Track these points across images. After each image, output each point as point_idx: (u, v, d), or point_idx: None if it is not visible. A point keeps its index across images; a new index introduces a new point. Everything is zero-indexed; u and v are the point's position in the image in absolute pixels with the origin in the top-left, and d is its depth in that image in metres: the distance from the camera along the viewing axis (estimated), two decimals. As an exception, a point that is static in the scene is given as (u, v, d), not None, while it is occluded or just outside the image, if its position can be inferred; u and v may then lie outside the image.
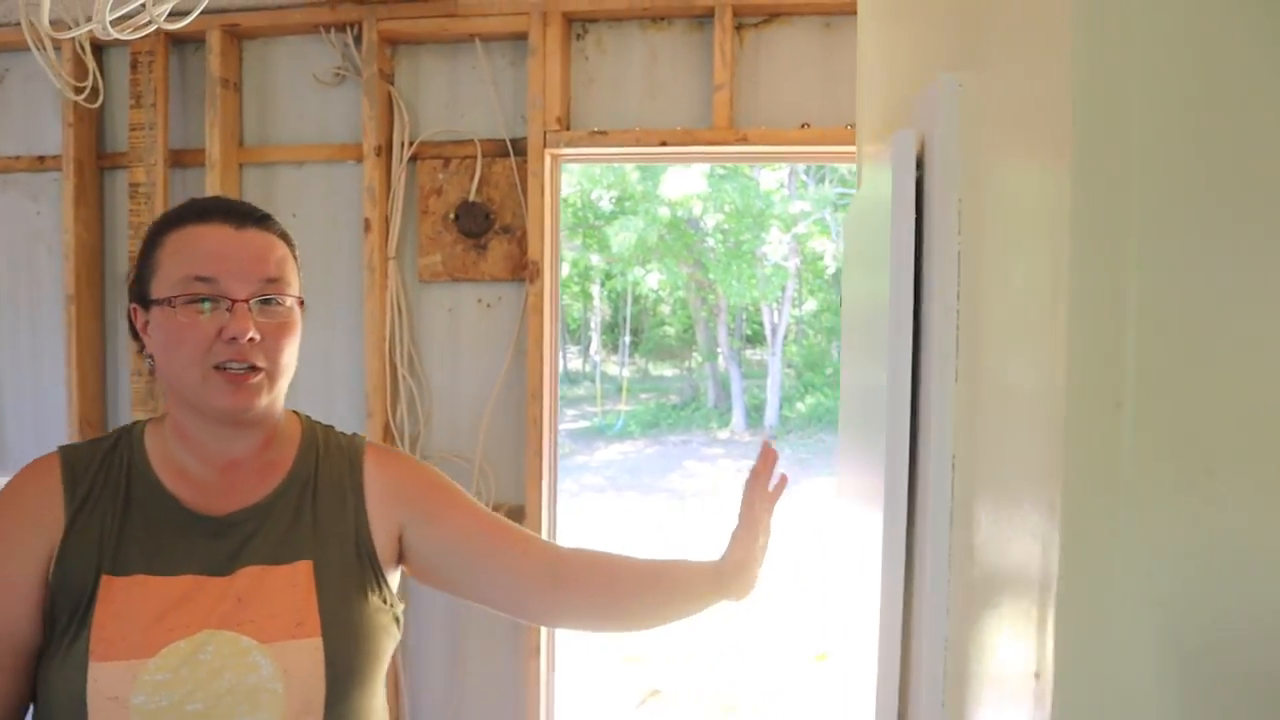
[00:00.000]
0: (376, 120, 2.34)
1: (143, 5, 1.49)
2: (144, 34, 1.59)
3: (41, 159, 2.62)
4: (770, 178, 14.09)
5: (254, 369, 1.01)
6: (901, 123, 0.94)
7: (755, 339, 19.99)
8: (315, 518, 1.07)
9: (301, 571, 1.03)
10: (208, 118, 2.42)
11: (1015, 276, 0.64)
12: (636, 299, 16.87)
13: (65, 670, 0.95)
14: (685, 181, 12.18)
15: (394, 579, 1.14)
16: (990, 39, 0.73)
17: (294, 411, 1.17)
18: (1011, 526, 0.62)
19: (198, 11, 1.73)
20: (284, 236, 1.09)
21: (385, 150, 2.37)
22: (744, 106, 2.33)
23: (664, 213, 12.62)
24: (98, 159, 2.57)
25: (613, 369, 19.41)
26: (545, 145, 2.29)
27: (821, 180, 13.63)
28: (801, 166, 13.83)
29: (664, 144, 2.28)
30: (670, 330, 18.79)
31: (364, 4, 2.33)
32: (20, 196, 2.66)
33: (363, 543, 1.09)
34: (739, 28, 2.31)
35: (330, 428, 1.19)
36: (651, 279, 13.67)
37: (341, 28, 2.40)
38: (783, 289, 14.49)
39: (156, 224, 1.08)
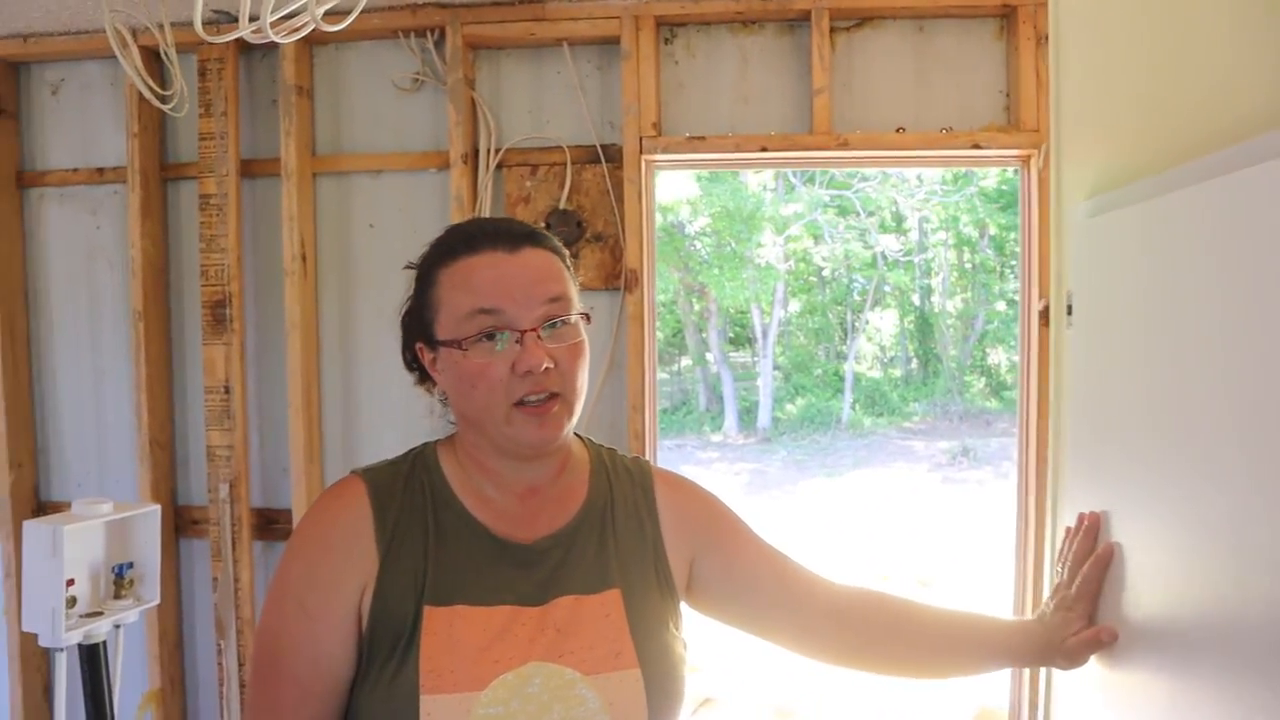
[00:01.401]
0: (463, 127, 2.27)
1: (304, 5, 1.41)
2: (299, 36, 1.51)
3: (101, 171, 2.51)
4: (755, 180, 14.10)
5: (553, 397, 0.98)
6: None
7: (739, 341, 19.99)
8: (617, 544, 1.04)
9: (612, 601, 1.01)
10: (282, 126, 2.33)
11: None
12: (627, 303, 16.73)
13: (393, 702, 0.93)
14: (676, 186, 12.14)
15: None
16: None
17: (576, 434, 1.12)
18: None
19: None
20: (556, 250, 1.05)
21: (471, 158, 2.30)
22: (841, 111, 2.27)
23: (655, 218, 12.56)
24: (161, 170, 2.47)
25: (600, 373, 19.28)
26: (641, 151, 2.23)
27: (811, 181, 13.65)
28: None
29: (764, 149, 2.22)
30: (659, 335, 18.75)
31: (447, 8, 2.25)
32: (79, 210, 2.55)
33: (661, 571, 1.06)
34: (831, 31, 2.26)
35: (613, 450, 1.15)
36: (645, 283, 13.58)
37: (422, 33, 2.32)
38: (773, 291, 14.49)
39: (426, 259, 1.05)
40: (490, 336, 0.97)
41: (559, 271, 1.02)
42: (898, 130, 2.26)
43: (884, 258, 14.57)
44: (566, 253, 1.08)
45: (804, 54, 2.27)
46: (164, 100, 2.02)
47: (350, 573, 0.98)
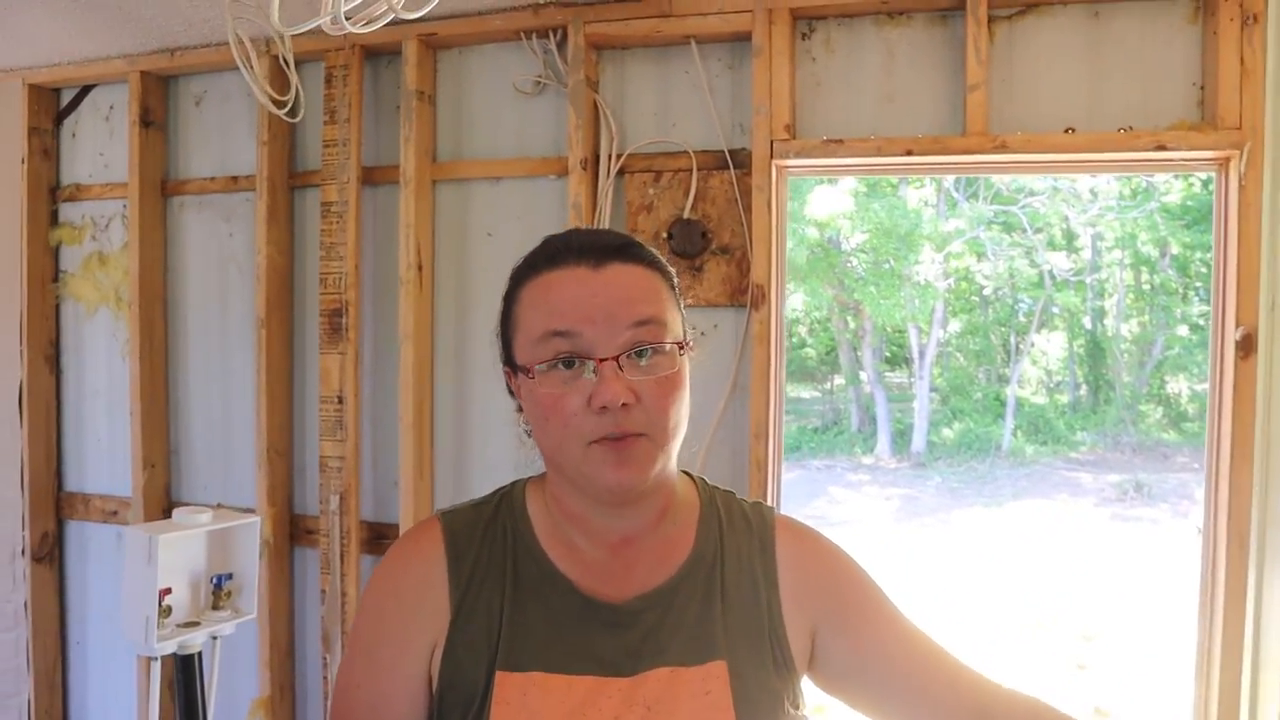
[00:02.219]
0: (583, 131, 2.15)
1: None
2: (379, 26, 1.42)
3: (235, 179, 2.55)
4: (915, 195, 13.55)
5: (637, 436, 0.84)
6: None
7: (895, 361, 19.33)
8: (725, 608, 0.90)
9: (715, 676, 0.86)
10: (402, 132, 2.28)
11: None
12: (777, 320, 16.37)
13: None
14: (832, 200, 11.78)
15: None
16: None
17: (686, 473, 0.98)
18: None
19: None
20: (655, 265, 0.91)
21: (591, 164, 2.18)
22: (999, 110, 2.02)
23: (811, 233, 12.24)
24: (289, 178, 2.48)
25: (748, 390, 19.04)
26: (772, 156, 2.05)
27: (974, 197, 12.99)
28: (951, 181, 13.24)
29: (909, 153, 2.00)
30: (811, 352, 18.30)
31: (569, 7, 2.15)
32: (214, 218, 2.59)
33: (778, 644, 0.91)
34: (990, 20, 2.01)
35: (730, 494, 1.00)
36: (796, 300, 13.28)
37: (544, 33, 2.22)
38: (932, 310, 13.86)
39: (514, 272, 0.93)
40: (566, 364, 0.84)
41: (653, 291, 0.88)
42: (1066, 131, 1.99)
43: (1052, 277, 13.70)
44: (670, 270, 0.93)
45: (958, 47, 2.03)
46: (280, 106, 1.99)
47: (420, 628, 0.90)
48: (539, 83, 2.27)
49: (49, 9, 2.25)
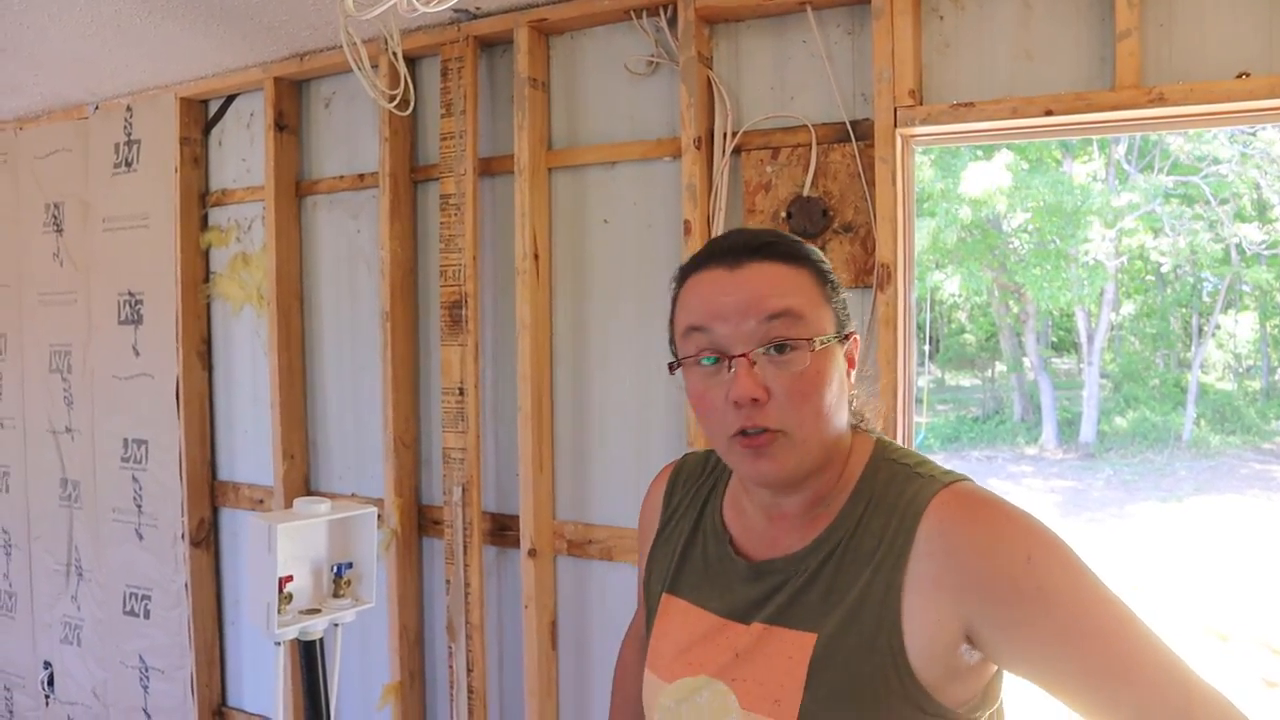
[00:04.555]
0: (696, 109, 2.07)
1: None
2: (443, 6, 1.39)
3: (361, 176, 2.60)
4: (1082, 170, 12.69)
5: (775, 432, 0.88)
6: None
7: (1062, 346, 18.27)
8: (832, 586, 0.90)
9: (802, 646, 0.89)
10: (516, 120, 2.26)
11: None
12: (933, 305, 15.83)
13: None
14: (989, 176, 11.18)
15: (983, 682, 0.89)
16: None
17: (880, 441, 0.97)
18: None
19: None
20: (796, 258, 0.93)
21: (705, 143, 2.09)
22: (1155, 58, 1.80)
23: (964, 213, 11.65)
24: (411, 172, 2.51)
25: (904, 379, 18.43)
26: (896, 125, 1.91)
27: (1148, 168, 12.05)
28: (1122, 152, 12.34)
29: (1049, 113, 1.81)
30: (970, 338, 17.53)
31: (680, -20, 2.07)
32: (343, 215, 2.67)
33: (887, 636, 0.85)
34: (1145, -40, 1.80)
35: (906, 467, 0.93)
36: (952, 284, 12.69)
37: (654, 11, 2.15)
38: (1101, 291, 12.96)
39: (677, 271, 1.01)
40: (711, 360, 0.90)
41: (791, 285, 0.90)
42: (1239, 76, 1.75)
43: (1241, 252, 12.56)
44: (821, 264, 0.95)
45: (1105, -8, 1.83)
46: (390, 99, 2.01)
47: (644, 539, 1.14)
48: (651, 62, 2.20)
49: (193, 25, 2.36)
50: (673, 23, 2.13)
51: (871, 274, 1.96)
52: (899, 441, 1.88)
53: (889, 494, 0.91)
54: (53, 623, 3.31)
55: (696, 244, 2.07)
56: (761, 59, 2.12)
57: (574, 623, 2.35)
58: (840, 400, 0.92)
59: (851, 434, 0.97)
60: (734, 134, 2.10)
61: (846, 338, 0.94)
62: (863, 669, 0.85)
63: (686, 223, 2.08)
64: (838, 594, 0.88)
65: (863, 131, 2.00)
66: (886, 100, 1.91)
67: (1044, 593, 0.81)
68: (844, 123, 2.01)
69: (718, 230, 2.09)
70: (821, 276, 0.93)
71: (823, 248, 2.02)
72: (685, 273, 0.97)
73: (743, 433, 0.88)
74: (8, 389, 3.40)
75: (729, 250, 0.92)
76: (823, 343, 0.89)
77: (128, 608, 3.07)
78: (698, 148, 2.07)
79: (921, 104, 1.93)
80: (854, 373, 0.97)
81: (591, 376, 2.31)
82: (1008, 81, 1.92)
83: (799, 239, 0.97)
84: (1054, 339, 17.38)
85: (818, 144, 2.03)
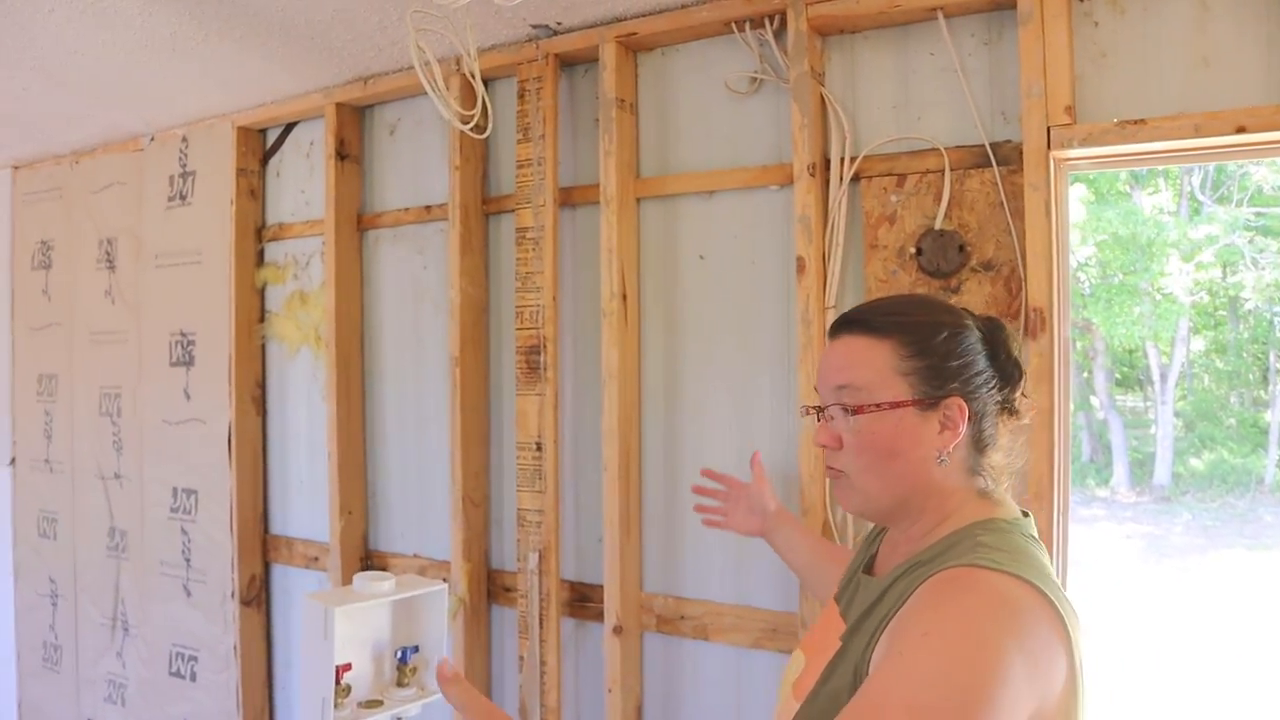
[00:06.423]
0: (809, 131, 1.82)
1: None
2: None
3: (428, 208, 2.40)
4: (1148, 202, 12.22)
5: (839, 471, 1.11)
6: None
7: (1126, 383, 17.63)
8: (871, 611, 1.03)
9: (825, 649, 1.07)
10: (602, 146, 2.03)
11: None
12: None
13: None
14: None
15: None
16: None
17: (993, 518, 1.04)
18: None
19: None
20: (884, 330, 1.07)
21: (820, 169, 1.85)
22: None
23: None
24: (483, 204, 2.30)
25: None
26: (1049, 147, 1.64)
27: (1224, 199, 11.55)
28: (1196, 183, 11.86)
29: (1241, 130, 1.54)
30: (1032, 375, 16.96)
31: (789, -12, 1.84)
32: (408, 250, 2.46)
33: (864, 665, 0.97)
34: (1347, -50, 1.53)
35: (973, 545, 0.98)
36: (1017, 319, 12.24)
37: (759, 22, 1.92)
38: (1175, 327, 12.41)
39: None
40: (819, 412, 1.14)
41: (857, 359, 1.08)
42: None
43: (1326, 286, 11.97)
44: (910, 333, 1.07)
45: (1302, -11, 1.56)
46: (465, 121, 1.80)
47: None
48: (755, 79, 1.97)
49: (252, 47, 2.19)
50: (780, 35, 1.90)
51: (1019, 319, 1.69)
52: (1054, 513, 1.60)
53: (929, 562, 1.01)
54: (96, 679, 3.12)
55: (812, 284, 1.82)
56: (882, 75, 1.87)
57: (662, 709, 2.08)
58: (910, 460, 1.05)
59: (968, 494, 1.07)
60: (852, 160, 1.85)
61: (934, 403, 1.04)
62: (838, 683, 1.00)
63: (800, 259, 1.83)
64: (869, 623, 1.01)
65: (1005, 155, 1.73)
66: (1037, 118, 1.65)
67: (898, 653, 0.90)
68: (983, 145, 1.75)
69: (834, 268, 1.84)
70: (910, 346, 1.06)
71: (958, 289, 1.76)
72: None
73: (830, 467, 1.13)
74: (58, 431, 3.25)
75: (837, 322, 1.13)
76: (893, 407, 1.04)
77: (174, 668, 2.86)
78: (812, 174, 1.83)
79: (1078, 122, 1.66)
80: (956, 435, 1.05)
81: (684, 431, 2.06)
82: (1180, 95, 1.64)
83: (905, 308, 1.10)
84: (1118, 375, 16.76)
85: (951, 169, 1.77)
